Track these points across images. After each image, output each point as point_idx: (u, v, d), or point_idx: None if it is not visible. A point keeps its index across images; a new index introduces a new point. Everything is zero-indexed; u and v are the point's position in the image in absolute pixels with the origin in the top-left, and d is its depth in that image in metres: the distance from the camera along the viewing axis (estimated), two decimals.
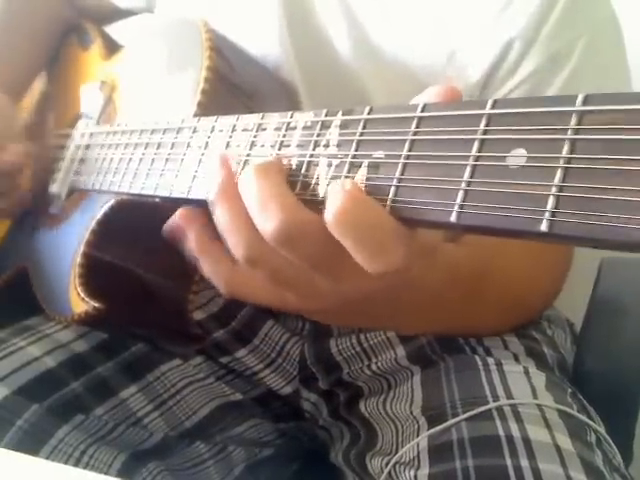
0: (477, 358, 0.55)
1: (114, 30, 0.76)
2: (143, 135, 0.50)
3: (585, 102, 0.24)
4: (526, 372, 0.53)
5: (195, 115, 0.47)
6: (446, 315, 0.50)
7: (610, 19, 0.57)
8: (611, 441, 0.50)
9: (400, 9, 0.57)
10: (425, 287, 0.40)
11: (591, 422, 0.49)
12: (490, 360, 0.54)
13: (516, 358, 0.55)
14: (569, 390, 0.54)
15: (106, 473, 0.53)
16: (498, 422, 0.46)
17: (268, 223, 0.32)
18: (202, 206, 0.40)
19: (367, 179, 0.31)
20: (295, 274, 0.36)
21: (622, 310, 0.64)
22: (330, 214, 0.30)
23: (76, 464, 0.51)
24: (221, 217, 0.36)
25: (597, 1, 0.56)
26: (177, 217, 0.41)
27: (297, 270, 0.35)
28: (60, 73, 0.76)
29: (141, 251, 0.47)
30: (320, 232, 0.31)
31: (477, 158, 0.27)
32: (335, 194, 0.31)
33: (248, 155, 0.38)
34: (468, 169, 0.27)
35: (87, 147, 0.60)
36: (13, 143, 0.63)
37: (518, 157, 0.25)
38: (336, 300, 0.37)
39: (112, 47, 0.71)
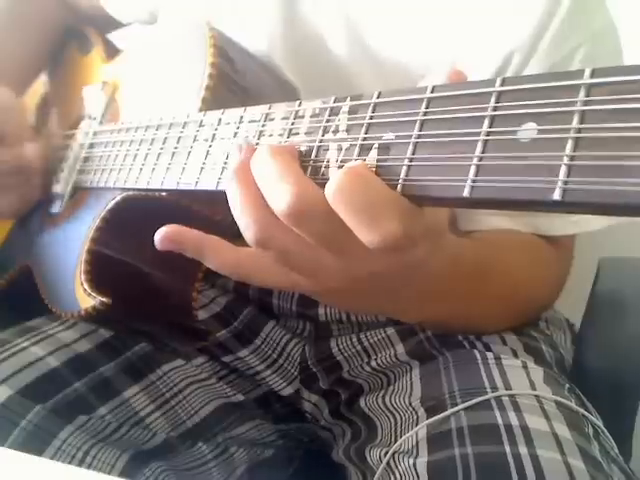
0: (476, 352, 0.55)
1: (116, 37, 0.76)
2: (148, 131, 0.50)
3: (593, 75, 0.25)
4: (525, 366, 0.53)
5: (200, 111, 0.48)
6: (449, 305, 0.50)
7: (609, 28, 0.57)
8: (608, 434, 0.50)
9: (401, 17, 0.57)
10: (431, 272, 0.40)
11: (588, 414, 0.50)
12: (489, 355, 0.54)
13: (515, 353, 0.56)
14: (567, 386, 0.54)
15: (109, 473, 0.52)
16: (497, 411, 0.47)
17: (281, 198, 0.33)
18: (209, 197, 0.41)
19: (378, 160, 0.32)
20: (305, 254, 0.36)
21: (621, 309, 0.64)
22: (328, 188, 0.31)
23: (79, 465, 0.51)
24: (234, 199, 0.36)
25: (596, 11, 0.56)
26: (165, 232, 0.40)
27: (307, 250, 0.36)
28: (62, 77, 0.77)
29: (146, 246, 0.47)
30: (330, 208, 0.32)
31: (488, 134, 0.27)
32: (336, 171, 0.32)
33: (257, 144, 0.39)
34: (480, 145, 0.27)
35: (91, 146, 0.60)
36: (28, 141, 0.63)
37: (529, 130, 0.26)
38: (344, 279, 0.38)
39: (112, 51, 0.72)
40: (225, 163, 0.40)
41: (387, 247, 0.31)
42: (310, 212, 0.33)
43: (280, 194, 0.33)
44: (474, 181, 0.27)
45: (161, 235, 0.40)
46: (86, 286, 0.49)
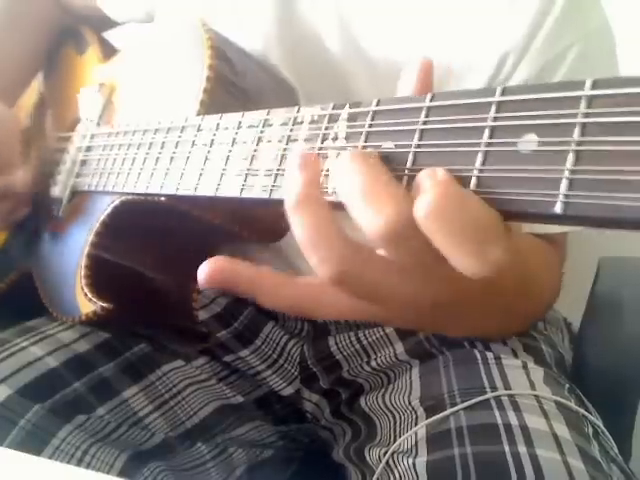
0: (476, 352, 0.56)
1: (112, 36, 0.76)
2: (146, 135, 0.50)
3: (594, 86, 0.25)
4: (524, 366, 0.54)
5: (198, 114, 0.47)
6: (489, 321, 0.47)
7: (603, 27, 0.57)
8: (608, 434, 0.50)
9: (394, 18, 0.57)
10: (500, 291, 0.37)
11: (588, 414, 0.50)
12: (489, 354, 0.55)
13: (515, 353, 0.56)
14: (567, 385, 0.54)
15: (108, 473, 0.52)
16: (496, 411, 0.47)
17: (378, 217, 0.28)
18: (209, 201, 0.41)
19: None
20: (386, 284, 0.31)
21: (620, 308, 0.64)
22: (419, 210, 0.26)
23: (78, 464, 0.51)
24: (306, 228, 0.30)
25: (591, 10, 0.56)
26: (213, 271, 0.34)
27: (390, 279, 0.31)
28: (58, 78, 0.77)
29: (145, 250, 0.47)
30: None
31: (488, 145, 0.27)
32: (427, 184, 0.27)
33: (255, 151, 0.39)
34: (480, 156, 0.27)
35: (88, 149, 0.60)
36: (17, 167, 0.63)
37: (529, 142, 0.26)
38: (424, 306, 0.33)
39: (109, 51, 0.71)
40: (224, 169, 0.40)
41: (490, 273, 0.26)
42: (411, 231, 0.27)
43: (377, 212, 0.28)
44: (475, 192, 0.27)
45: (210, 272, 0.34)
46: (87, 291, 0.49)
